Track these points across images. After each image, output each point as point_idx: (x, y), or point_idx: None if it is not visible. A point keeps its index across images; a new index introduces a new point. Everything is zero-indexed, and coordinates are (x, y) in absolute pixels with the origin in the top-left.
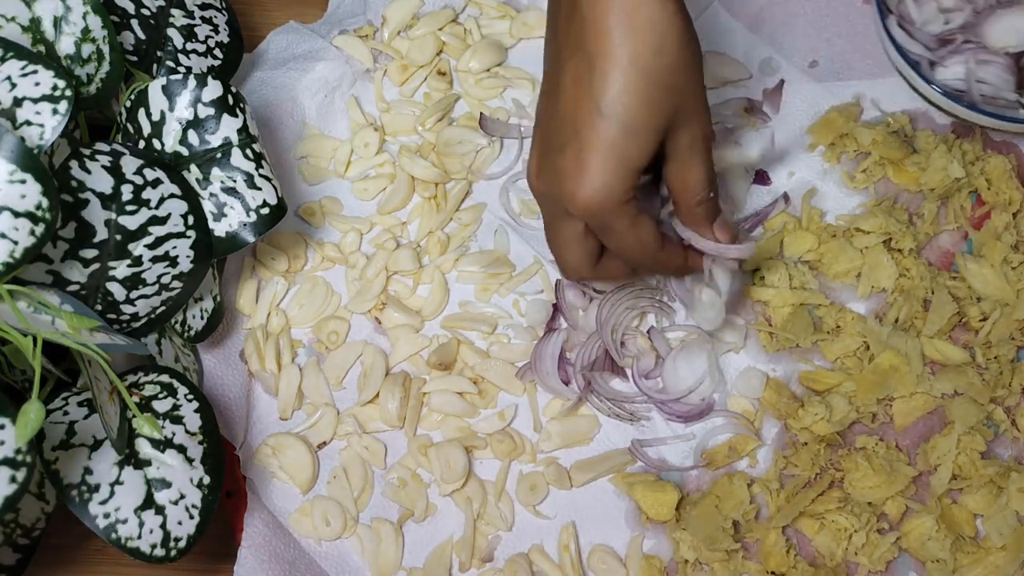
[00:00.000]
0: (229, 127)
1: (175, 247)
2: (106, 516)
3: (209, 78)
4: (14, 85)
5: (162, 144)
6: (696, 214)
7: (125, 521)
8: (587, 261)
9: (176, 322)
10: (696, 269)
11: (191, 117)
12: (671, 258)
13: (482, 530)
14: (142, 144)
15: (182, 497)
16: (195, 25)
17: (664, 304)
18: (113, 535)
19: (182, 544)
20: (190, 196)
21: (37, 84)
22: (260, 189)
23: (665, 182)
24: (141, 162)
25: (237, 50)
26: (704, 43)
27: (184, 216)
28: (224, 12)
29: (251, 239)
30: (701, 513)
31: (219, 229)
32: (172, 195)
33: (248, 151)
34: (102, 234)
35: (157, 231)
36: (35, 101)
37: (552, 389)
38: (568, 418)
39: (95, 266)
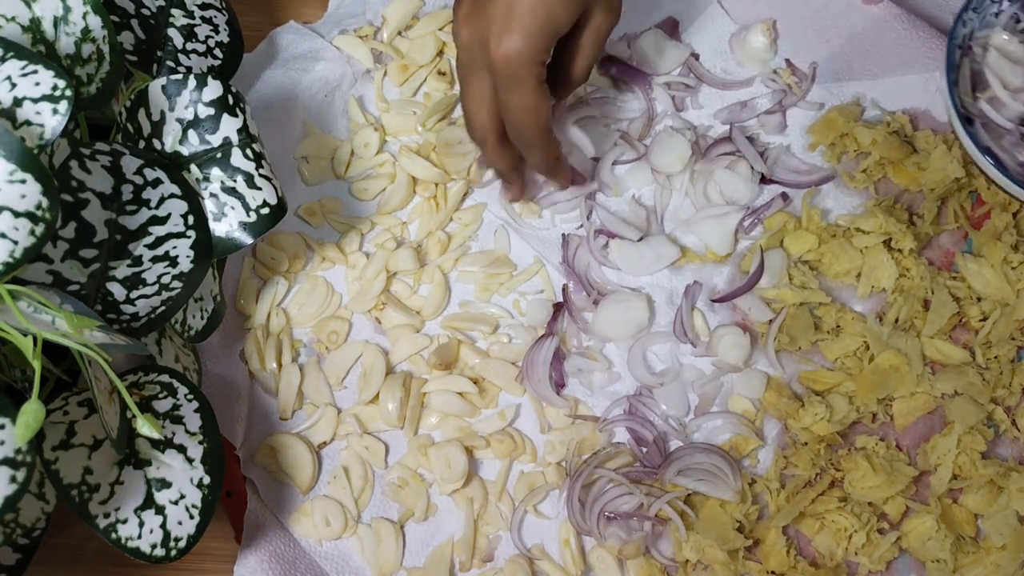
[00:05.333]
0: (229, 127)
1: (175, 247)
2: (106, 516)
3: (209, 78)
4: (14, 85)
5: (162, 144)
6: (572, 86)
7: (125, 521)
8: (494, 124)
9: (176, 322)
10: (562, 180)
11: (191, 117)
12: (552, 145)
13: (482, 530)
14: (142, 144)
15: (182, 497)
16: (195, 25)
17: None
18: (113, 535)
19: (182, 544)
20: (190, 196)
21: (37, 84)
22: (260, 189)
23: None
24: (141, 162)
25: (237, 50)
26: (704, 43)
27: (184, 216)
28: (224, 12)
29: (251, 239)
30: (708, 515)
31: (219, 229)
32: (172, 195)
33: (248, 151)
34: (102, 234)
35: (157, 231)
36: (35, 101)
37: (544, 397)
38: (571, 427)
39: (95, 266)
